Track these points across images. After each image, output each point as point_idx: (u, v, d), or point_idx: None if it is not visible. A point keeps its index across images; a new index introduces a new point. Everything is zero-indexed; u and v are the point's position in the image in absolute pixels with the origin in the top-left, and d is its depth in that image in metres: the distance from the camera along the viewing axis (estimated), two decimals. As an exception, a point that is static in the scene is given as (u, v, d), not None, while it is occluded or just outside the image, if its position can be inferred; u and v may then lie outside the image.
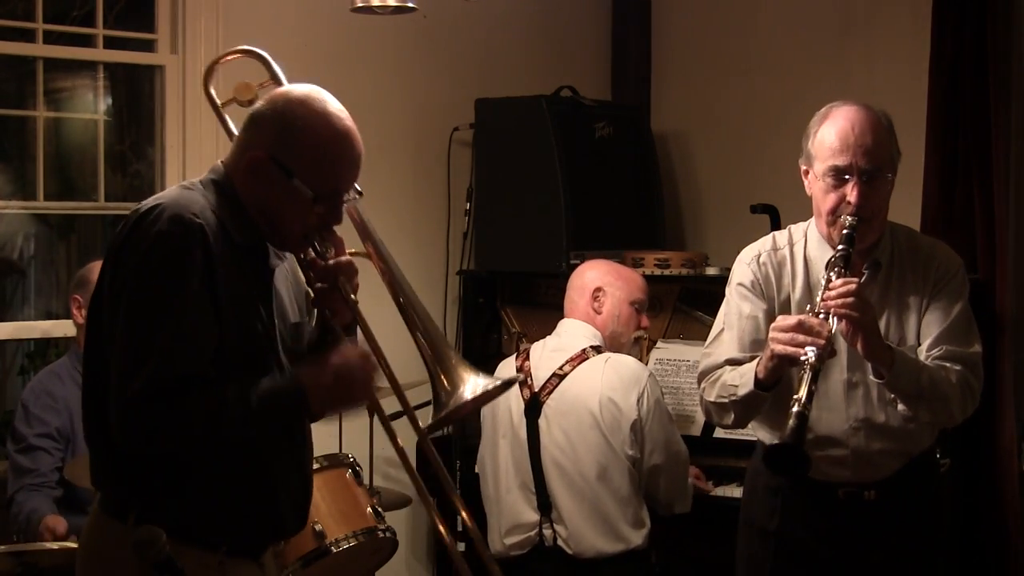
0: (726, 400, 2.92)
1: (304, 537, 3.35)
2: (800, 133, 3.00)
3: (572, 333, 3.76)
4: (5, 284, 5.50)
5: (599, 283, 3.79)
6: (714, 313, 3.17)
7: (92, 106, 4.55)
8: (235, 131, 2.51)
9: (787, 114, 4.81)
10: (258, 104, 2.37)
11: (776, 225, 4.10)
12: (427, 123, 4.88)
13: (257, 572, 2.41)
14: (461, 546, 4.31)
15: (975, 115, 4.09)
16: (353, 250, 2.46)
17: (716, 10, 5.18)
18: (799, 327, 2.70)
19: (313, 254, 2.39)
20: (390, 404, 2.50)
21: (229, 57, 2.75)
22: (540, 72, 5.04)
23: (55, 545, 3.29)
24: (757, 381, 2.81)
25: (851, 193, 2.83)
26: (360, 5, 3.81)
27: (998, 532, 4.02)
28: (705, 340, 3.11)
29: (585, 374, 3.64)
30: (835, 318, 2.72)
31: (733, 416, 2.94)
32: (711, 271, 4.38)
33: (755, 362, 2.85)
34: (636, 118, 5.09)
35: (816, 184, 2.91)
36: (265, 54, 2.68)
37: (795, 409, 2.61)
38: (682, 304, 4.45)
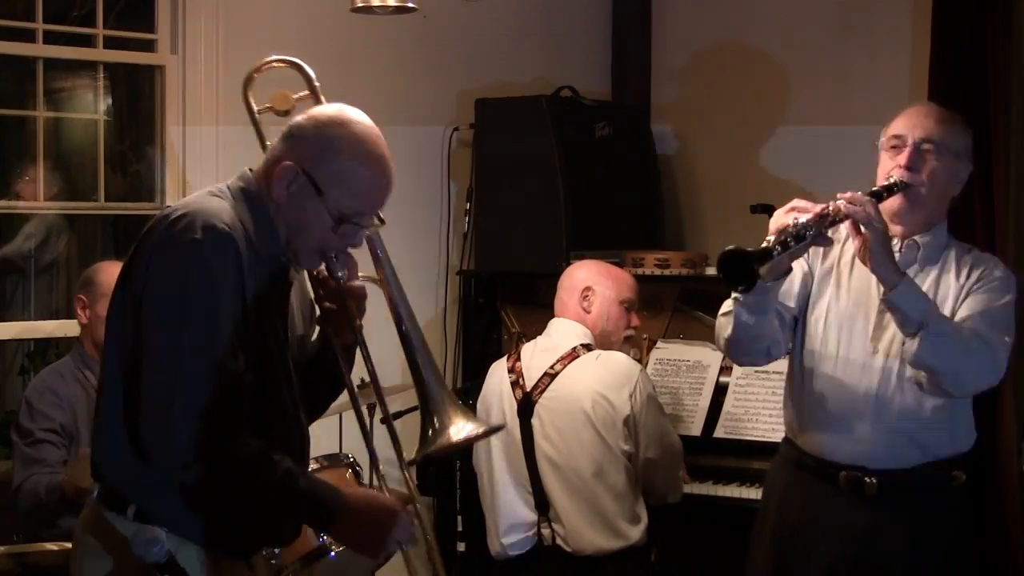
0: (730, 306, 2.93)
1: (304, 537, 3.35)
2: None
3: (562, 332, 3.76)
4: (5, 284, 5.50)
5: (588, 282, 3.80)
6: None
7: (92, 106, 4.55)
8: (267, 139, 2.51)
9: (787, 114, 4.82)
10: (299, 118, 2.37)
11: (776, 225, 4.10)
12: (427, 123, 4.88)
13: (247, 573, 2.41)
14: (461, 546, 4.34)
15: (975, 115, 4.09)
16: (365, 275, 2.47)
17: (716, 10, 5.18)
18: (799, 201, 2.76)
19: (326, 273, 2.40)
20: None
21: (269, 65, 2.73)
22: (540, 72, 5.04)
23: (55, 545, 3.29)
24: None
25: (901, 156, 2.91)
26: (360, 5, 3.81)
27: (998, 532, 4.02)
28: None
29: (576, 372, 3.65)
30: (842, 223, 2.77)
31: (732, 322, 2.92)
32: (711, 271, 4.38)
33: None
34: (636, 118, 5.09)
35: (880, 161, 2.98)
36: (305, 66, 2.67)
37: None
38: (682, 304, 4.45)
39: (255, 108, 2.66)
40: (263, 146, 2.52)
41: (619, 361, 3.67)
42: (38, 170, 4.17)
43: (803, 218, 2.69)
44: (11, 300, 5.53)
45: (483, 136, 4.78)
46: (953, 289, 2.94)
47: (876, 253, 2.77)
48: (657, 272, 4.37)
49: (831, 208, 2.74)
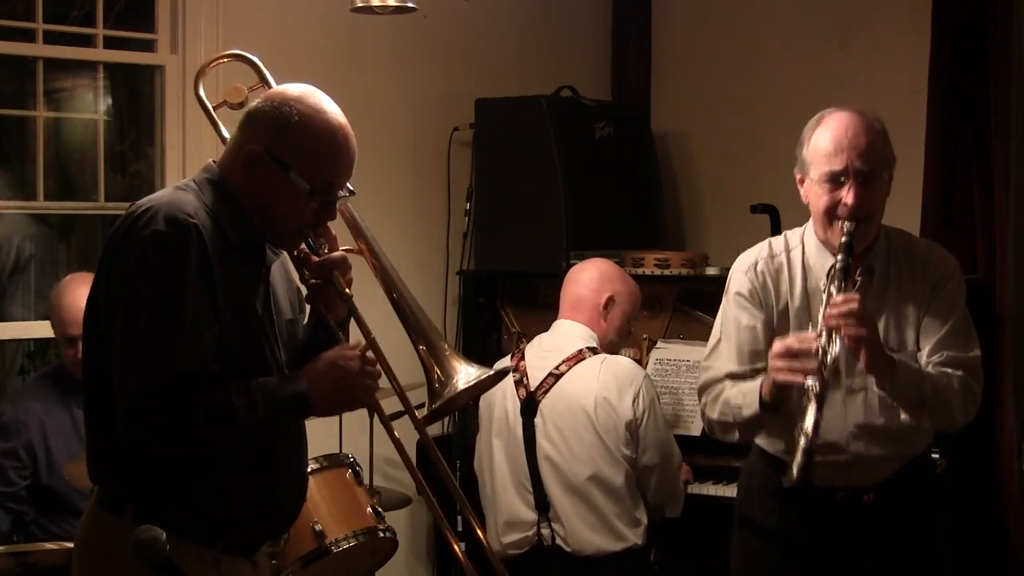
0: (730, 420, 2.91)
1: (304, 537, 3.35)
2: (800, 133, 3.00)
3: (569, 334, 3.75)
4: (5, 284, 5.50)
5: (613, 292, 3.76)
6: (714, 313, 3.16)
7: (92, 106, 4.55)
8: (226, 133, 2.53)
9: (787, 114, 4.80)
10: (254, 102, 2.40)
11: (776, 225, 4.10)
12: (427, 123, 4.88)
13: (251, 571, 2.42)
14: (461, 546, 4.33)
15: (975, 115, 4.10)
16: (346, 247, 2.47)
17: (716, 10, 5.18)
18: (798, 354, 2.68)
19: (307, 250, 2.40)
20: (390, 404, 2.51)
21: (219, 61, 2.77)
22: (540, 72, 5.04)
23: (54, 545, 3.30)
24: (762, 403, 2.81)
25: (847, 195, 2.81)
26: (360, 5, 3.81)
27: (998, 532, 4.02)
28: (705, 340, 3.10)
29: (581, 374, 3.64)
30: (838, 337, 2.70)
31: (737, 435, 2.95)
32: (711, 271, 4.38)
33: (759, 383, 2.83)
34: (636, 118, 5.09)
35: (812, 190, 2.90)
36: (255, 58, 2.70)
37: (802, 444, 2.58)
38: (682, 304, 4.45)
39: (209, 104, 2.67)
40: (221, 139, 2.54)
41: (624, 365, 3.66)
42: (37, 169, 4.17)
43: (811, 379, 2.64)
44: (11, 300, 5.52)
45: (483, 136, 4.78)
46: (913, 309, 2.92)
47: (870, 358, 2.75)
48: (657, 272, 4.37)
49: (834, 351, 2.69)
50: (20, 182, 4.57)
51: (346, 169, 2.36)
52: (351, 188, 2.41)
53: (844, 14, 4.77)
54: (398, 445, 2.45)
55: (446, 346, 2.44)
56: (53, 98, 4.53)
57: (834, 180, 2.83)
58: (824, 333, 2.70)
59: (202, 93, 2.70)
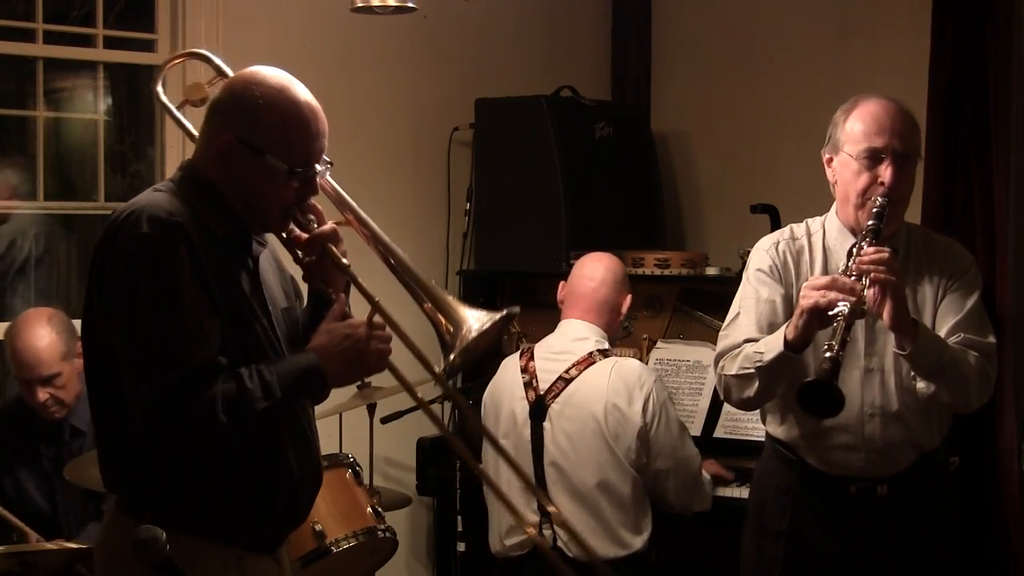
0: (751, 369, 2.90)
1: (304, 537, 3.36)
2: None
3: (578, 335, 3.70)
4: (5, 284, 5.50)
5: (629, 291, 3.77)
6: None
7: (92, 106, 4.55)
8: (194, 131, 2.52)
9: (787, 114, 4.83)
10: (215, 93, 2.40)
11: (776, 225, 4.09)
12: (427, 123, 4.88)
13: (274, 566, 2.42)
14: (461, 546, 4.33)
15: (975, 115, 4.09)
16: (334, 221, 2.47)
17: (716, 10, 5.18)
18: (832, 283, 2.72)
19: (297, 230, 2.40)
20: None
21: (175, 62, 2.79)
22: (540, 72, 5.05)
23: (54, 545, 3.30)
24: (786, 343, 2.80)
25: (885, 173, 2.87)
26: (360, 5, 3.81)
27: (998, 532, 4.02)
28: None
29: (591, 379, 3.61)
30: (867, 280, 2.73)
31: (757, 385, 2.91)
32: (711, 271, 4.38)
33: (781, 329, 2.85)
34: (636, 118, 5.10)
35: (846, 168, 2.93)
36: (209, 54, 2.70)
37: (828, 355, 2.62)
38: (682, 304, 4.45)
39: (170, 105, 2.67)
40: (190, 138, 2.53)
41: (634, 370, 3.62)
42: (38, 169, 4.16)
43: (842, 306, 2.67)
44: (12, 300, 5.52)
45: (483, 136, 4.79)
46: (930, 295, 2.98)
47: (895, 311, 2.77)
48: (657, 272, 4.37)
49: (865, 284, 2.73)
50: (19, 182, 4.56)
51: (319, 142, 2.35)
52: (328, 160, 2.40)
53: (844, 14, 4.77)
54: (422, 403, 2.43)
55: (451, 297, 2.40)
56: (53, 98, 4.53)
57: (873, 157, 2.88)
58: (854, 276, 2.74)
59: (163, 96, 2.71)
